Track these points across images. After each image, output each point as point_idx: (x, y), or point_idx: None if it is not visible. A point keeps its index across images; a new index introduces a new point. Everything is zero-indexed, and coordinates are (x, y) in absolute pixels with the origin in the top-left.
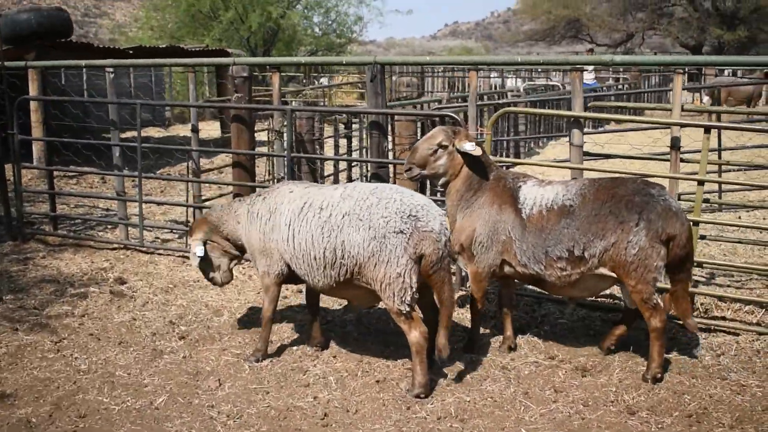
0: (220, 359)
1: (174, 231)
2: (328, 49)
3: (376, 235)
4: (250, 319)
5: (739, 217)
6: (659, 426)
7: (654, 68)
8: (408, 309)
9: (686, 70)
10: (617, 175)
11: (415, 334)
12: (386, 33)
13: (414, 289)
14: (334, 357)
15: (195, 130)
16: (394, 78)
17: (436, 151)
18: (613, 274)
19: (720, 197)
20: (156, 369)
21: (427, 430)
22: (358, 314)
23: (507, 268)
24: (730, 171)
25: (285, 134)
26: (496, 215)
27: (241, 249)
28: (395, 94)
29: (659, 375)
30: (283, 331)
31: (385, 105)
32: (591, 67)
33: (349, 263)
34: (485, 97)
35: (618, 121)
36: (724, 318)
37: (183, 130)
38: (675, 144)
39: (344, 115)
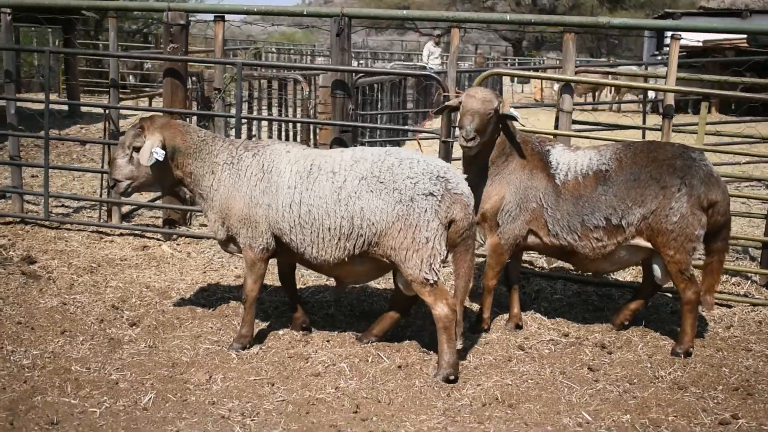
0: (197, 348)
1: (85, 202)
2: None
3: (402, 198)
4: (208, 302)
5: None
6: (714, 401)
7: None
8: (435, 278)
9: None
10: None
11: (441, 307)
12: None
13: (443, 257)
14: (329, 341)
15: (115, 85)
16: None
17: (491, 117)
18: (649, 245)
19: None
20: (122, 362)
21: (483, 419)
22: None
23: (532, 239)
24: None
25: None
26: (527, 180)
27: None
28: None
29: (691, 349)
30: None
31: (351, 63)
32: (438, 51)
33: (368, 233)
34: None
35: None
36: None
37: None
38: (668, 112)
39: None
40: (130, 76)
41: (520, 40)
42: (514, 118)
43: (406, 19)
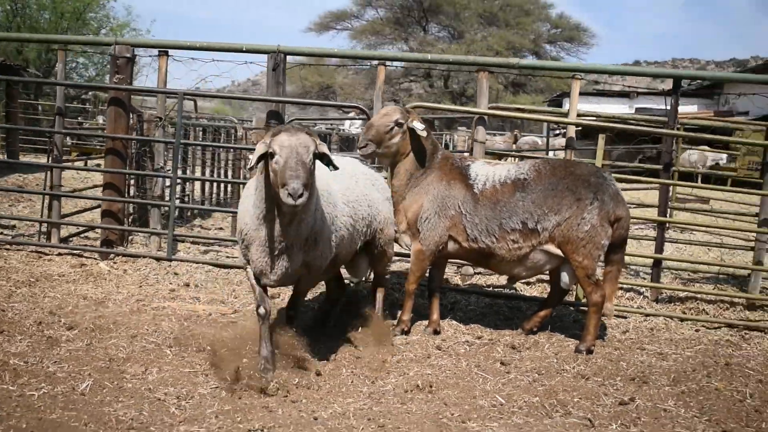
0: (132, 346)
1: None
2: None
3: None
4: (144, 309)
5: None
6: (614, 387)
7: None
8: None
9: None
10: None
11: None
12: None
13: None
14: None
15: (61, 112)
16: None
17: (392, 129)
18: (559, 252)
19: None
20: (59, 357)
21: (405, 400)
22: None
23: (452, 245)
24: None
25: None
26: (444, 190)
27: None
28: None
29: (593, 347)
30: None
31: (285, 95)
32: (359, 122)
33: None
34: None
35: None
36: None
37: None
38: (570, 144)
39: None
40: (68, 138)
41: (432, 119)
42: (419, 134)
43: (339, 57)
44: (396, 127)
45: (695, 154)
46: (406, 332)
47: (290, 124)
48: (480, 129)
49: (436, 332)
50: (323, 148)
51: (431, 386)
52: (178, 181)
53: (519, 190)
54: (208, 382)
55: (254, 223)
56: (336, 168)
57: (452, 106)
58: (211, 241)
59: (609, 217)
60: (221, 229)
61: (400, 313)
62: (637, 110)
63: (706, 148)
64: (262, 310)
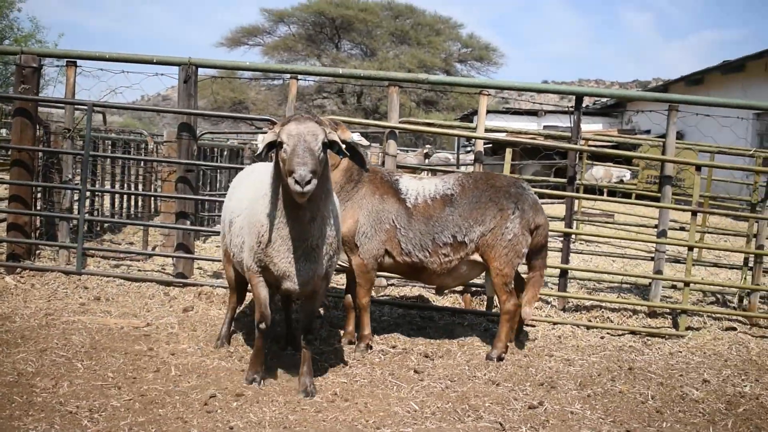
0: (42, 360)
1: None
2: None
3: None
4: (52, 324)
5: None
6: (524, 392)
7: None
8: None
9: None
10: None
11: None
12: None
13: None
14: (173, 354)
15: None
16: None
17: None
18: (482, 260)
19: None
20: None
21: (321, 409)
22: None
23: (386, 259)
24: None
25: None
26: (378, 204)
27: None
28: None
29: (504, 354)
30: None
31: (197, 108)
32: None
33: None
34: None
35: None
36: None
37: None
38: (478, 157)
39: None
40: None
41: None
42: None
43: (251, 69)
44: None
45: (600, 170)
46: (370, 347)
47: (299, 113)
48: (391, 143)
49: (351, 342)
50: (333, 137)
51: (346, 395)
52: (87, 194)
53: (448, 204)
54: (121, 395)
55: (274, 221)
56: (346, 155)
57: (364, 120)
58: (122, 254)
59: (529, 225)
60: (131, 243)
61: (350, 328)
62: (545, 127)
63: (610, 164)
64: (263, 326)
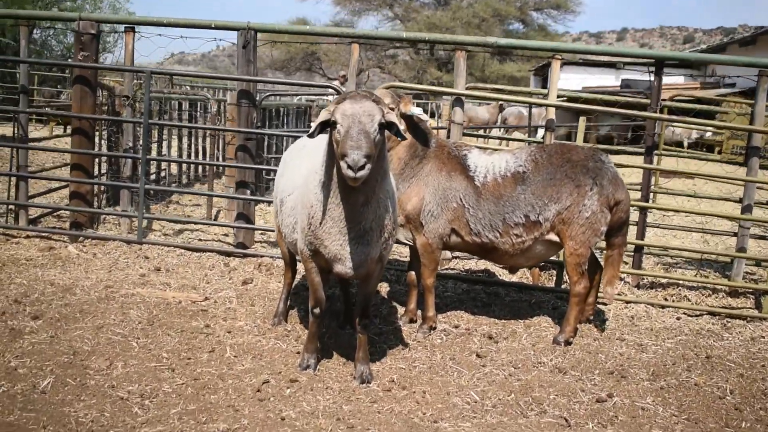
0: (98, 337)
1: None
2: None
3: None
4: (112, 297)
5: None
6: (592, 382)
7: None
8: None
9: None
10: None
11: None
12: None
13: None
14: (230, 333)
15: (25, 90)
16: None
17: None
18: (558, 239)
19: None
20: (22, 350)
21: (377, 399)
22: None
23: (454, 239)
24: None
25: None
26: (446, 182)
27: None
28: None
29: (572, 338)
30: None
31: (257, 74)
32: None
33: None
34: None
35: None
36: None
37: None
38: (550, 125)
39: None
40: (47, 108)
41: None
42: (413, 120)
43: (310, 34)
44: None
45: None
46: (433, 328)
47: (356, 91)
48: (458, 110)
49: (412, 321)
50: (391, 117)
51: (404, 382)
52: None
53: (519, 183)
54: (174, 378)
55: (326, 202)
56: (404, 138)
57: (429, 87)
58: (183, 222)
59: (609, 202)
60: (198, 205)
61: (412, 306)
62: (623, 81)
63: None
64: (317, 310)
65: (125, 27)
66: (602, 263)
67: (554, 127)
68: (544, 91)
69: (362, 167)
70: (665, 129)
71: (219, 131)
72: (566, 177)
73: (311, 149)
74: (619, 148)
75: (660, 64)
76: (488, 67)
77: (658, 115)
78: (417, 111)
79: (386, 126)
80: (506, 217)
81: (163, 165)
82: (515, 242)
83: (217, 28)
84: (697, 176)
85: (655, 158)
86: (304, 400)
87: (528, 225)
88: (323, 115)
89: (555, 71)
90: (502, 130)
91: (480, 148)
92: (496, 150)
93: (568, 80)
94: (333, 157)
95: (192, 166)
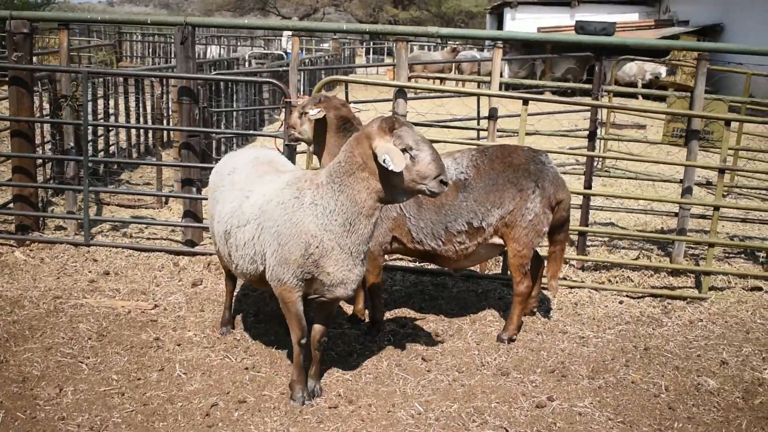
0: (47, 360)
1: None
2: None
3: None
4: (58, 309)
5: None
6: (533, 384)
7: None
8: None
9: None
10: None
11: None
12: None
13: None
14: (179, 345)
15: None
16: None
17: (300, 116)
18: (502, 242)
19: None
20: None
21: (323, 418)
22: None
23: (396, 245)
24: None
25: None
26: None
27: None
28: None
29: (515, 336)
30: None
31: (196, 69)
32: (290, 34)
33: None
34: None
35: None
36: None
37: None
38: (493, 114)
39: None
40: None
41: (374, 23)
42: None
43: (248, 27)
44: (303, 115)
45: (634, 66)
46: (380, 330)
47: (394, 117)
48: (401, 102)
49: (358, 321)
50: None
51: (351, 395)
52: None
53: (461, 190)
54: (124, 404)
55: (336, 230)
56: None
57: (372, 81)
58: (136, 198)
59: (551, 203)
60: (149, 184)
61: (360, 306)
62: (578, 22)
63: (644, 59)
64: (304, 341)
65: (59, 24)
66: (544, 257)
67: (497, 116)
68: (487, 79)
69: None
70: (616, 69)
71: (165, 117)
72: (508, 182)
73: (254, 173)
74: (570, 85)
75: (600, 54)
76: (445, 3)
77: (600, 103)
78: (312, 112)
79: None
80: (449, 225)
81: (111, 140)
82: (458, 249)
83: (154, 24)
84: (641, 161)
85: (599, 142)
86: (252, 424)
87: (471, 231)
88: (392, 147)
89: (497, 60)
90: (456, 82)
91: None
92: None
93: (522, 20)
94: (360, 184)
95: (141, 137)
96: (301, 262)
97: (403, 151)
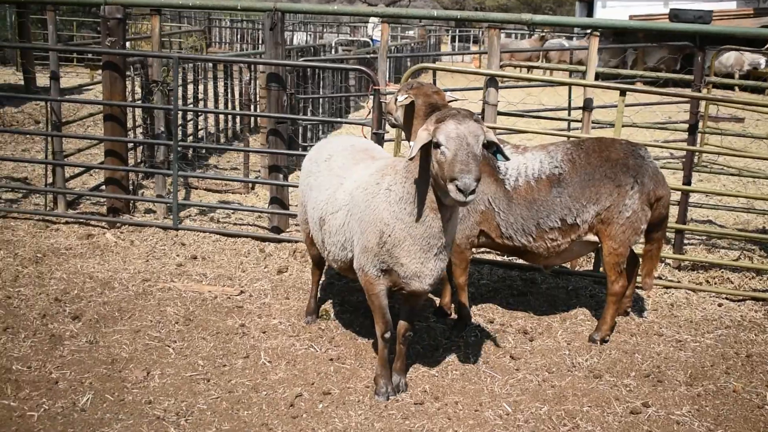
0: (135, 342)
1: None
2: None
3: None
4: (148, 292)
5: None
6: (627, 388)
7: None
8: None
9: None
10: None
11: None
12: None
13: None
14: (264, 332)
15: (55, 77)
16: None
17: (395, 102)
18: (597, 239)
19: None
20: (62, 360)
21: (408, 414)
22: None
23: (484, 240)
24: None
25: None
26: None
27: None
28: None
29: (608, 337)
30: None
31: (284, 56)
32: (376, 21)
33: None
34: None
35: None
36: None
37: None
38: (588, 105)
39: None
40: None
41: (462, 9)
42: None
43: (337, 14)
44: (396, 101)
45: (731, 56)
46: (467, 325)
47: (457, 109)
48: (491, 91)
49: (445, 315)
50: (491, 136)
51: (437, 392)
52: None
53: (555, 185)
54: (209, 390)
55: (405, 220)
56: (507, 159)
57: (462, 69)
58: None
59: (649, 200)
60: (237, 169)
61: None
62: (672, 11)
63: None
64: (388, 335)
65: (151, 10)
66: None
67: (592, 107)
68: (583, 68)
69: (473, 191)
70: (715, 60)
71: (253, 102)
72: (606, 177)
73: (350, 160)
74: (667, 75)
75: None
76: None
77: (702, 95)
78: (400, 98)
79: (486, 146)
80: (540, 221)
81: (200, 125)
82: (550, 246)
83: (243, 9)
84: (744, 156)
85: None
86: (337, 417)
87: (564, 228)
88: (423, 136)
89: (593, 49)
90: (544, 71)
91: (512, 147)
92: (529, 148)
93: (614, 8)
94: (424, 176)
95: (229, 122)
96: (377, 251)
97: (435, 146)
